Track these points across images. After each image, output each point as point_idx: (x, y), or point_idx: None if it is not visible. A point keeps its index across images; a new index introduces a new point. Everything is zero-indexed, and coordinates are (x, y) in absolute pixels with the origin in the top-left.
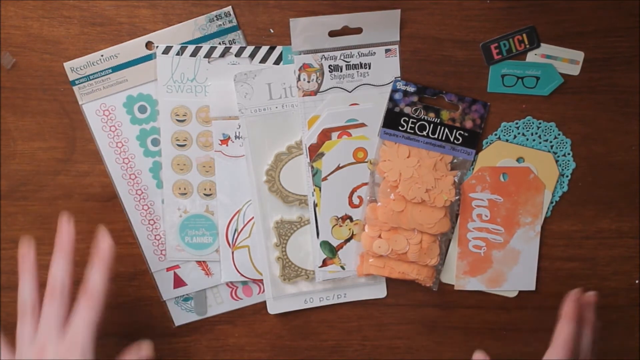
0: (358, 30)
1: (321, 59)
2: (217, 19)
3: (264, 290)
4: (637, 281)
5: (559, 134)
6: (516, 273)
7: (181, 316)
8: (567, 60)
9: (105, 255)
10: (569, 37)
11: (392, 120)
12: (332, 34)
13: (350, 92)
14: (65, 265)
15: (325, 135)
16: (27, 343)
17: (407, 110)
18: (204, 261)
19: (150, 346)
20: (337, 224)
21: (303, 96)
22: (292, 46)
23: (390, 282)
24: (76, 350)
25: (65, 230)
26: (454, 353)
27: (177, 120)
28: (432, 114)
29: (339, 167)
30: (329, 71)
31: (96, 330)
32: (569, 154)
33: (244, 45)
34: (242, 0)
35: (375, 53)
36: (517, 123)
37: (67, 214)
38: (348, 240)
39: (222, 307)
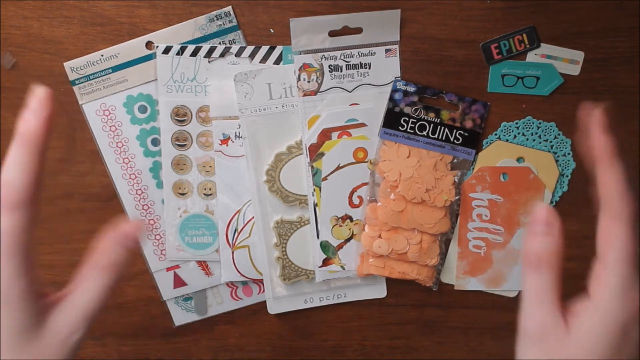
0: (358, 30)
1: (321, 59)
2: (217, 19)
3: (264, 290)
4: None
5: (559, 134)
6: (516, 273)
7: (181, 316)
8: (567, 60)
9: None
10: (569, 37)
11: (392, 120)
12: (332, 34)
13: (350, 92)
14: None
15: (325, 135)
16: None
17: (407, 110)
18: (204, 261)
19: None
20: (337, 224)
21: (303, 96)
22: (292, 46)
23: (390, 282)
24: None
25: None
26: (454, 353)
27: (177, 120)
28: (432, 114)
29: (339, 167)
30: (329, 71)
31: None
32: (569, 154)
33: (244, 45)
34: (242, 0)
35: (375, 53)
36: (517, 123)
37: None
38: (348, 240)
39: (222, 307)
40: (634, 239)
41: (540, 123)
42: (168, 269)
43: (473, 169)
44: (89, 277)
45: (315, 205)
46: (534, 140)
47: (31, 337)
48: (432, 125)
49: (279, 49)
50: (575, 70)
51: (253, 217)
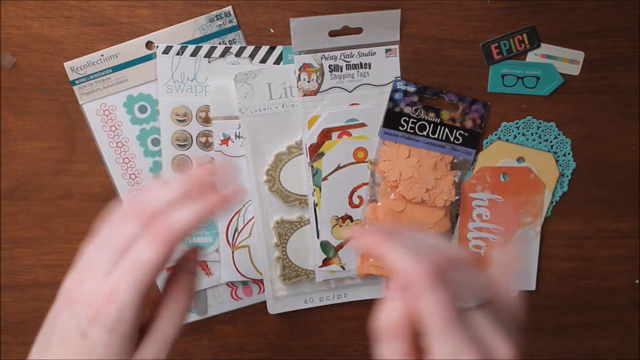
0: (358, 30)
1: (321, 59)
2: (217, 19)
3: (264, 290)
4: (637, 281)
5: (559, 134)
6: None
7: None
8: (567, 60)
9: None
10: (569, 37)
11: (392, 120)
12: (332, 34)
13: (350, 92)
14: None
15: (326, 135)
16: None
17: (408, 110)
18: (204, 261)
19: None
20: (337, 224)
21: (303, 96)
22: (292, 46)
23: None
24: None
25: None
26: None
27: (177, 120)
28: (432, 114)
29: (339, 167)
30: (329, 71)
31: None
32: (569, 154)
33: (244, 45)
34: (242, 0)
35: (375, 53)
36: (517, 123)
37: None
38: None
39: (222, 307)
40: (442, 303)
41: (540, 123)
42: (168, 269)
43: (473, 169)
44: (168, 311)
45: (315, 205)
46: (534, 140)
47: None
48: (432, 125)
49: (279, 49)
50: (575, 70)
51: (253, 217)
